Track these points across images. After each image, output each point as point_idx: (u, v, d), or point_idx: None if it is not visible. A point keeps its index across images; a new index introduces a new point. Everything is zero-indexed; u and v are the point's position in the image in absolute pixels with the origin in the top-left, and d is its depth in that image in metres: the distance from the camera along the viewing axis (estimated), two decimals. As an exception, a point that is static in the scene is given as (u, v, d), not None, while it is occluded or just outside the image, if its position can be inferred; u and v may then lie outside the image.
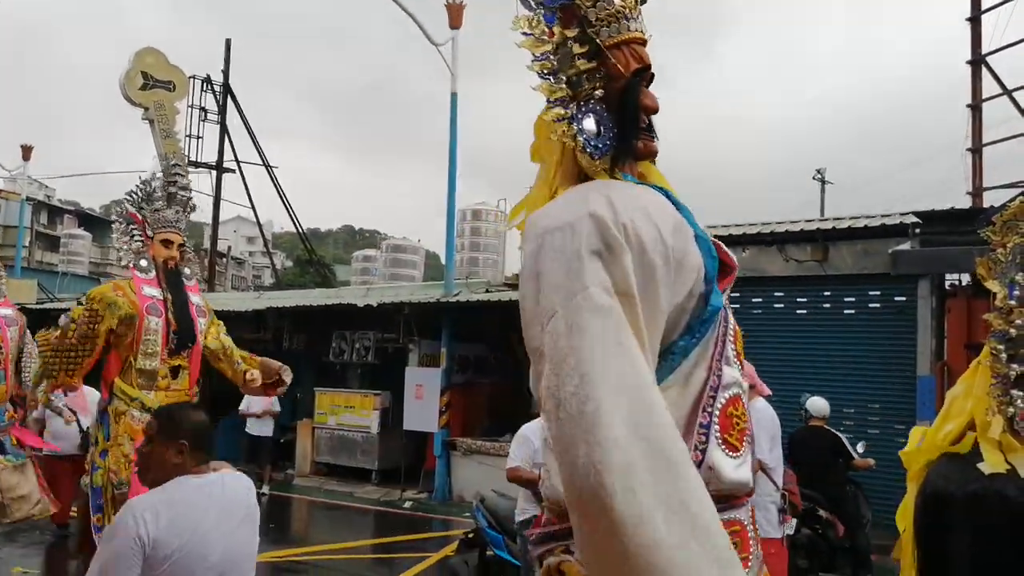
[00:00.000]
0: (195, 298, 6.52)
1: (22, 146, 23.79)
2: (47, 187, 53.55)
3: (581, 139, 1.72)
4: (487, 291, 13.49)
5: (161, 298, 6.25)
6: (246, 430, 12.38)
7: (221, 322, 6.73)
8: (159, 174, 6.70)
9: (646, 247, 1.57)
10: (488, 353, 13.81)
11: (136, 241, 6.47)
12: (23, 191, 26.01)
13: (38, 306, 18.74)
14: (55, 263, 36.51)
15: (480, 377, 13.50)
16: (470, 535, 6.14)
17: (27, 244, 35.58)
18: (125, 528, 2.62)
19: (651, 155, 1.83)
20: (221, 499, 2.83)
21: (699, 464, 1.62)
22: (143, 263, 6.39)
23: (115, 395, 6.05)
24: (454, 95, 13.81)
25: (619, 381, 1.42)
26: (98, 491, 5.92)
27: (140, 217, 6.49)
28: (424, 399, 12.52)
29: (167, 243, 6.38)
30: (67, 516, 8.39)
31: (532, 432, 5.53)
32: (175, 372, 6.22)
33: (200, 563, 2.70)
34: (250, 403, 12.50)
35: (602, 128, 1.74)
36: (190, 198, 6.75)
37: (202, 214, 23.82)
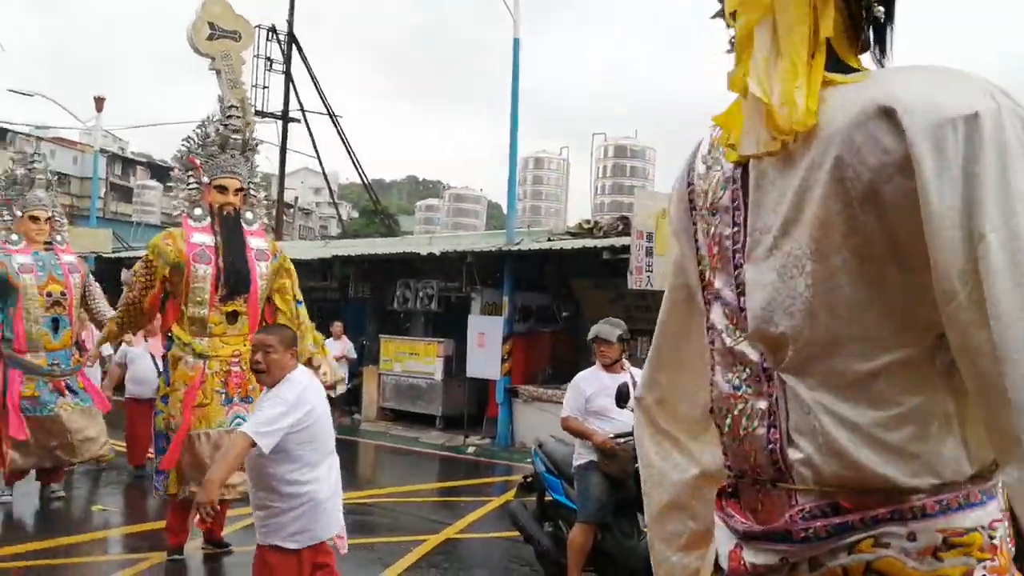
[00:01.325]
0: (258, 242, 6.49)
1: (95, 98, 24.24)
2: (120, 139, 54.78)
3: (879, 9, 1.41)
4: (549, 240, 13.45)
5: (212, 245, 6.25)
6: None
7: (294, 277, 6.68)
8: (215, 118, 6.67)
9: None
10: (550, 302, 13.83)
11: (190, 189, 6.49)
12: (97, 144, 26.67)
13: (113, 255, 19.34)
14: (129, 213, 37.54)
15: (542, 326, 13.55)
16: (528, 479, 6.22)
17: (102, 195, 36.63)
18: (300, 385, 4.03)
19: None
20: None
21: None
22: (196, 211, 6.40)
23: (172, 342, 6.24)
24: (516, 41, 13.62)
25: None
26: (160, 434, 6.16)
27: (198, 164, 6.50)
28: (487, 347, 12.64)
29: (222, 189, 6.36)
30: (144, 458, 8.70)
31: (584, 380, 5.55)
32: (232, 318, 6.26)
33: (325, 423, 4.15)
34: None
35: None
36: (246, 140, 6.67)
37: (269, 164, 24.17)
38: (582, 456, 5.44)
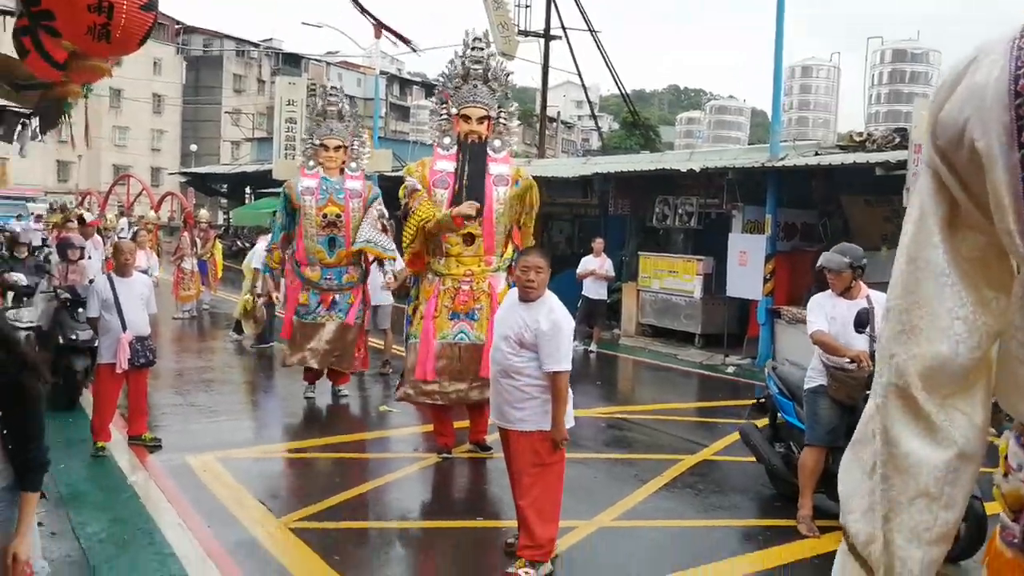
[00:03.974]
0: (500, 168, 6.85)
1: (373, 25, 25.78)
2: (397, 60, 57.92)
3: None
4: (816, 154, 12.76)
5: (451, 171, 6.72)
6: (583, 293, 12.99)
7: (534, 213, 7.02)
8: (462, 52, 7.07)
9: None
10: (816, 220, 13.21)
11: (441, 119, 6.98)
12: (377, 66, 28.45)
13: (393, 173, 20.78)
14: (406, 132, 39.99)
15: (807, 244, 13.01)
16: (762, 400, 6.36)
17: (383, 115, 39.23)
18: (559, 303, 4.74)
19: None
20: None
21: None
22: (446, 140, 6.93)
23: None
24: (785, -59, 12.78)
25: None
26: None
27: (447, 95, 6.98)
28: (748, 266, 12.37)
29: (466, 118, 6.80)
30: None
31: (824, 299, 5.50)
32: (469, 239, 6.71)
33: None
34: (586, 264, 13.07)
35: None
36: (488, 70, 6.96)
37: (532, 80, 24.69)
38: (812, 379, 5.50)
